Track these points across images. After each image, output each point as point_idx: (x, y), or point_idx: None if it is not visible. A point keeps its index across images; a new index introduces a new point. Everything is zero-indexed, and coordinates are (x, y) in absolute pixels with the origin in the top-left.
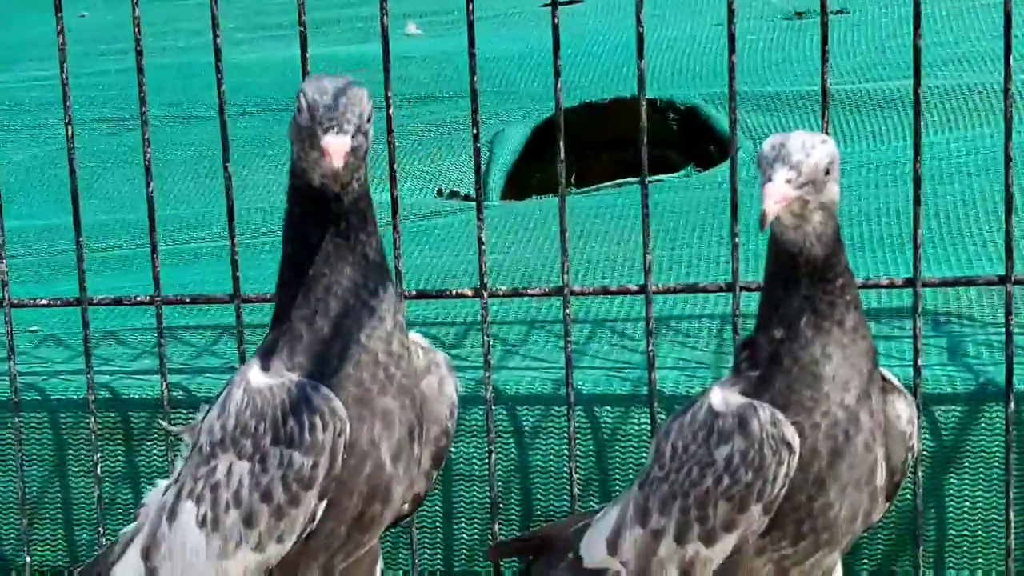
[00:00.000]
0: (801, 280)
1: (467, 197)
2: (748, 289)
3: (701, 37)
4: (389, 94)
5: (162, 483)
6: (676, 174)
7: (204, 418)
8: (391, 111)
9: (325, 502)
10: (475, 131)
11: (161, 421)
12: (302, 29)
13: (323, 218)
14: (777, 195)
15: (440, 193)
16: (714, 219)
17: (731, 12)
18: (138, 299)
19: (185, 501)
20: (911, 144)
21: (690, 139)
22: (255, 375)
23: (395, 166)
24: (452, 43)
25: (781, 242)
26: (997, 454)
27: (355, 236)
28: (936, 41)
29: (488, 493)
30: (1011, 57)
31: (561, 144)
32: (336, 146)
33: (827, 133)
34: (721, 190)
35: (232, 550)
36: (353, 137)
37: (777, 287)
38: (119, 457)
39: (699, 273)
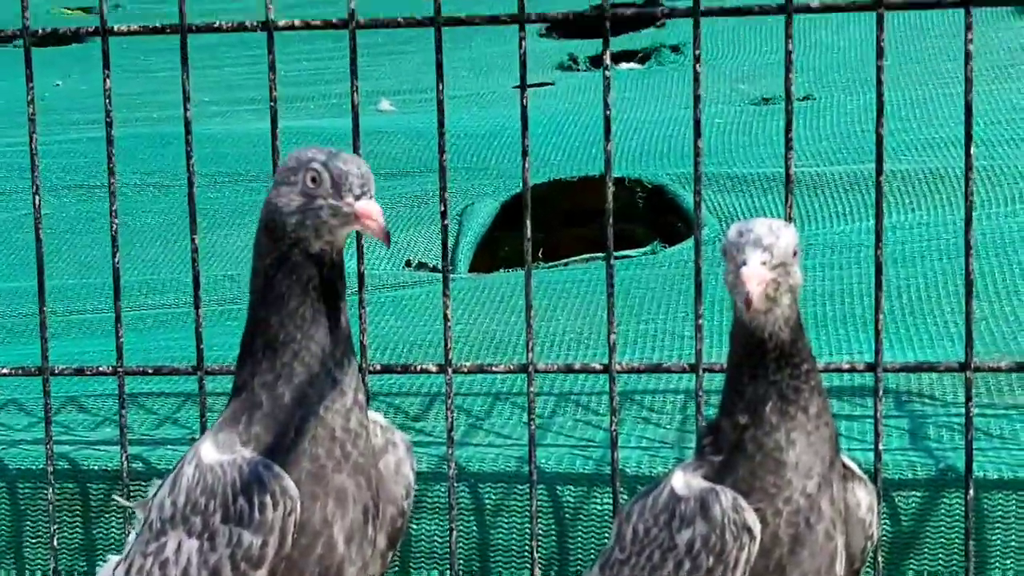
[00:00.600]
0: (768, 365)
1: (435, 269)
2: (711, 370)
3: (669, 119)
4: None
5: (113, 559)
6: (642, 250)
7: (156, 494)
8: None
9: None
10: (443, 208)
11: (116, 496)
12: (273, 104)
13: (307, 283)
14: (757, 277)
15: (409, 264)
16: (679, 296)
17: (697, 98)
18: (100, 369)
19: None
20: (873, 226)
21: (657, 215)
22: (207, 451)
23: (363, 239)
24: (424, 120)
25: (750, 327)
26: (957, 541)
27: (334, 302)
28: (899, 127)
29: (449, 572)
30: (971, 144)
31: (528, 222)
32: (377, 210)
33: (791, 215)
34: (686, 267)
35: None
36: None
37: (742, 373)
38: (77, 529)
39: (664, 348)
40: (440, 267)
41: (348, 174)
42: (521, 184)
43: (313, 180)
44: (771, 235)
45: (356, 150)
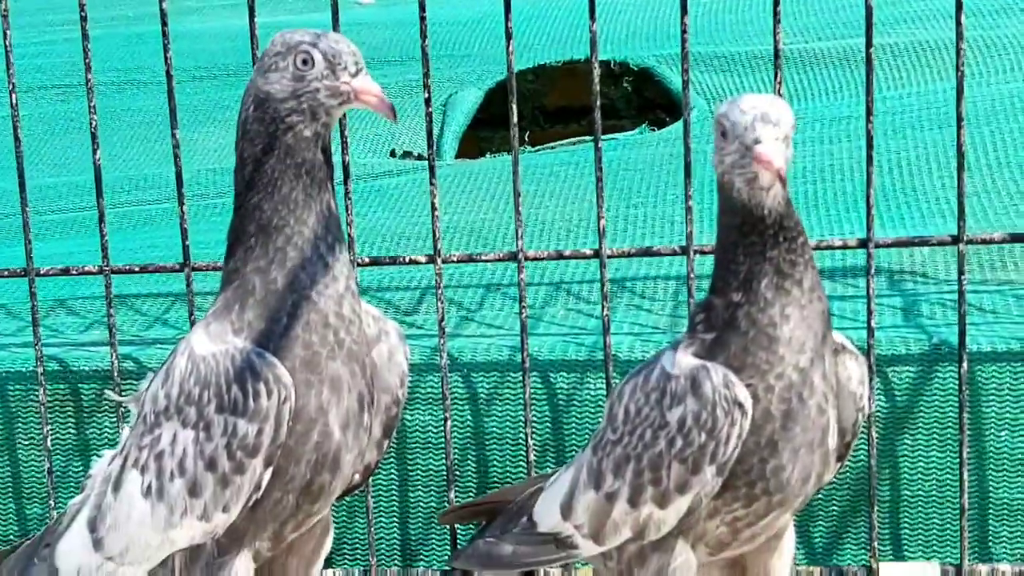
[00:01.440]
0: (766, 241)
1: (420, 157)
2: (702, 252)
3: (654, 2)
4: None
5: (108, 453)
6: (629, 133)
7: (149, 387)
8: None
9: (271, 470)
10: (427, 95)
11: (108, 392)
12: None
13: (299, 168)
14: (781, 153)
15: (393, 154)
16: (669, 176)
17: None
18: (86, 269)
19: (130, 471)
20: (863, 100)
21: (644, 109)
22: (199, 342)
23: (346, 132)
24: (403, 10)
25: (750, 204)
26: (950, 414)
27: (323, 186)
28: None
29: (444, 461)
30: (962, 14)
31: (514, 105)
32: (375, 85)
33: (780, 91)
34: (675, 148)
35: (178, 519)
36: None
37: (735, 251)
38: (69, 429)
39: (654, 233)
40: (424, 155)
41: (340, 52)
42: (506, 70)
43: (304, 62)
44: (777, 111)
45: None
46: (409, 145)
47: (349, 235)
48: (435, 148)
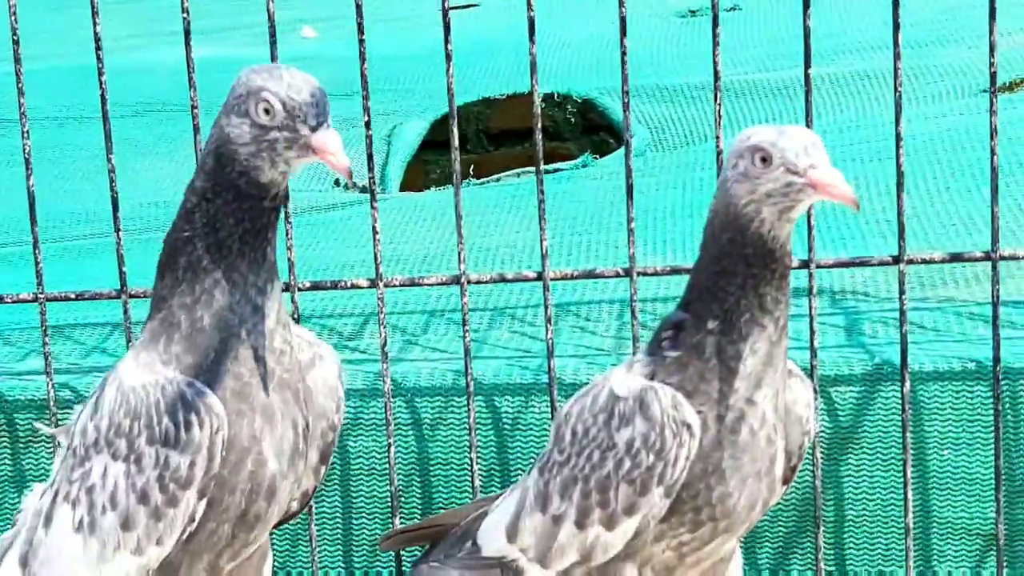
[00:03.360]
0: (765, 275)
1: (365, 189)
2: (645, 274)
3: (597, 35)
4: None
5: (39, 487)
6: (573, 163)
7: (79, 418)
8: None
9: (205, 501)
10: (366, 118)
11: (40, 423)
12: (186, 17)
13: (244, 214)
14: (843, 179)
15: (338, 184)
16: (611, 207)
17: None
18: (21, 296)
19: (61, 505)
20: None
21: (588, 133)
22: (128, 372)
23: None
24: (348, 45)
25: (766, 237)
26: (894, 433)
27: (264, 235)
28: (826, 32)
29: (388, 487)
30: (899, 32)
31: (454, 128)
32: (335, 142)
33: (720, 119)
34: (618, 179)
35: (110, 554)
36: None
37: (728, 280)
38: (5, 460)
39: (598, 259)
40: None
41: (302, 104)
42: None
43: (266, 112)
44: (819, 141)
45: None
46: (355, 176)
47: (289, 260)
48: (378, 176)
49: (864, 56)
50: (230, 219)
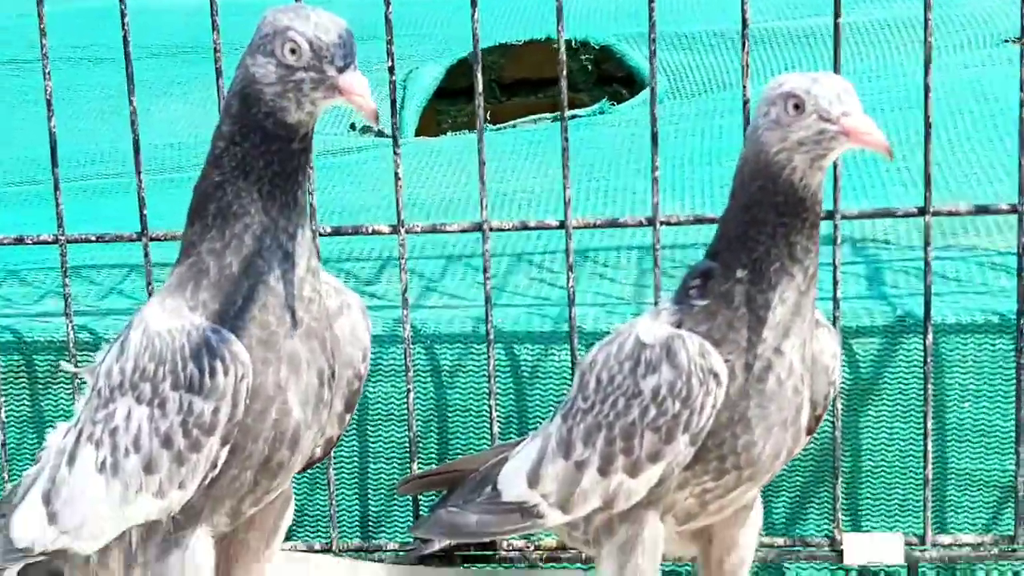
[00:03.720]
0: (795, 224)
1: (381, 133)
2: (668, 223)
3: None
4: None
5: (63, 425)
6: (590, 109)
7: (104, 359)
8: None
9: (228, 448)
10: (390, 63)
11: (63, 363)
12: None
13: (272, 156)
14: (875, 125)
15: (353, 128)
16: (629, 154)
17: None
18: (41, 238)
19: (84, 445)
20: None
21: (602, 83)
22: (154, 317)
23: None
24: None
25: (797, 185)
26: (914, 385)
27: (295, 178)
28: None
29: (407, 433)
30: None
31: (479, 74)
32: (363, 85)
33: (747, 66)
34: (636, 126)
35: (133, 496)
36: None
37: (758, 229)
38: (24, 401)
39: (616, 205)
40: (384, 131)
41: (329, 44)
42: (466, 46)
43: (292, 52)
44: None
45: None
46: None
47: (311, 204)
48: (398, 121)
49: (884, 4)
50: (259, 161)
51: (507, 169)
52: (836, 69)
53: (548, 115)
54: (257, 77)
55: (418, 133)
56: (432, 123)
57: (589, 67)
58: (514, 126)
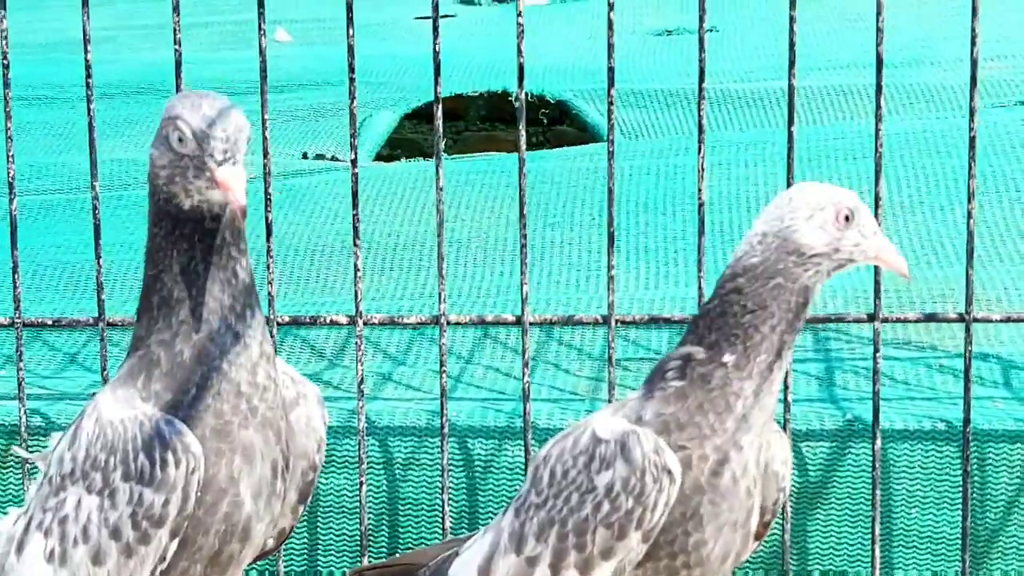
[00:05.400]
0: (796, 324)
1: (334, 158)
2: (623, 322)
3: (573, 45)
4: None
5: (14, 512)
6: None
7: (56, 446)
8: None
9: (177, 541)
10: (352, 103)
11: (16, 448)
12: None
13: (191, 238)
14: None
15: (306, 156)
16: (585, 192)
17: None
18: None
19: (34, 534)
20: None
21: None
22: (107, 406)
23: (270, 189)
24: (322, 47)
25: (811, 289)
26: (863, 490)
27: (227, 254)
28: (803, 52)
29: (358, 526)
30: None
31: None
32: (238, 180)
33: (702, 123)
34: (590, 161)
35: None
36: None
37: (763, 320)
38: None
39: (571, 263)
40: (337, 156)
41: (211, 137)
42: (422, 97)
43: (180, 140)
44: None
45: (263, 76)
46: (321, 151)
47: (269, 294)
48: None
49: (835, 72)
50: (182, 244)
51: (460, 203)
52: (790, 127)
53: (499, 153)
54: (155, 162)
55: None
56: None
57: (545, 119)
58: (466, 158)
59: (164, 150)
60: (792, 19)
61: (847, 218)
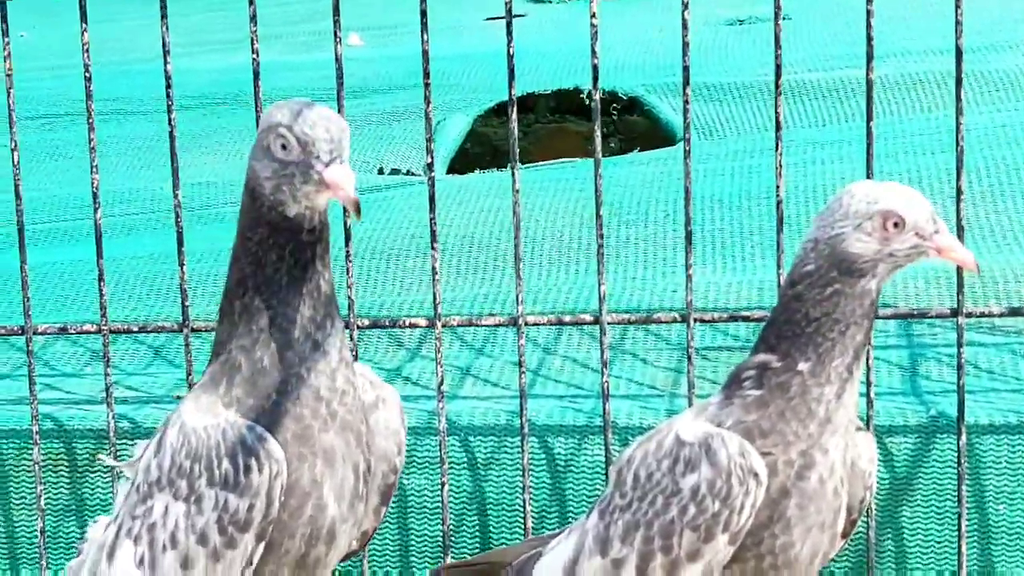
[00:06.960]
0: (864, 325)
1: (409, 173)
2: (702, 320)
3: (643, 39)
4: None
5: (103, 519)
6: (625, 156)
7: (143, 455)
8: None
9: (263, 544)
10: (427, 108)
11: (102, 455)
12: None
13: (283, 248)
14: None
15: (381, 172)
16: (660, 194)
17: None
18: (85, 328)
19: (123, 540)
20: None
21: (631, 126)
22: (190, 414)
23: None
24: (393, 50)
25: (874, 291)
26: (949, 486)
27: (313, 267)
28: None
29: (440, 526)
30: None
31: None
32: (347, 178)
33: (779, 116)
34: (663, 166)
35: None
36: None
37: (832, 326)
38: (62, 489)
39: (646, 262)
40: (413, 171)
41: (316, 140)
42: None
43: (283, 147)
44: None
45: (340, 85)
46: (396, 164)
47: (349, 298)
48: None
49: (911, 59)
50: (272, 254)
51: (534, 207)
52: (869, 121)
53: (573, 159)
54: (257, 172)
55: (450, 169)
56: (465, 161)
57: (616, 115)
58: (538, 166)
59: (267, 161)
60: (869, 12)
61: (896, 224)
